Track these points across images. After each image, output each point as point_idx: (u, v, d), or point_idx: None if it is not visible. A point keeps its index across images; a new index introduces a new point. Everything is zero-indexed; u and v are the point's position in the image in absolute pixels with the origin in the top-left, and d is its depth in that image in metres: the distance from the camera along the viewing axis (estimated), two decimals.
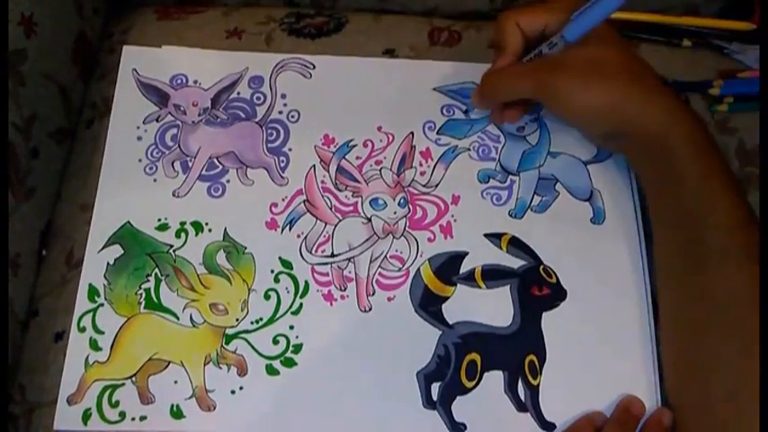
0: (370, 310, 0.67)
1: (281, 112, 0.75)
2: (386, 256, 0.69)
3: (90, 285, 0.67)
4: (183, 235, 0.69)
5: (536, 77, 0.65)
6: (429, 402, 0.64)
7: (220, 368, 0.64)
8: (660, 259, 0.66)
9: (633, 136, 0.64)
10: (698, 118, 0.63)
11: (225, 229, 0.69)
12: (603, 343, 0.66)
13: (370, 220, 0.70)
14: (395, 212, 0.70)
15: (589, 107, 0.64)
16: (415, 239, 0.69)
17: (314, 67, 0.77)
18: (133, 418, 0.63)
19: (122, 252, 0.68)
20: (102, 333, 0.65)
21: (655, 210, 0.67)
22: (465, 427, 0.63)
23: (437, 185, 0.71)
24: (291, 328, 0.66)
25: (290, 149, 0.73)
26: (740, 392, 0.56)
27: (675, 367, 0.63)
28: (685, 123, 0.62)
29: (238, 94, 0.75)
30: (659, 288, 0.66)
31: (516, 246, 0.69)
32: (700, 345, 0.60)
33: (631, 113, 0.63)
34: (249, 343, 0.65)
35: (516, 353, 0.65)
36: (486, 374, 0.65)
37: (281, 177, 0.71)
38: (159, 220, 0.69)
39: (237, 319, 0.66)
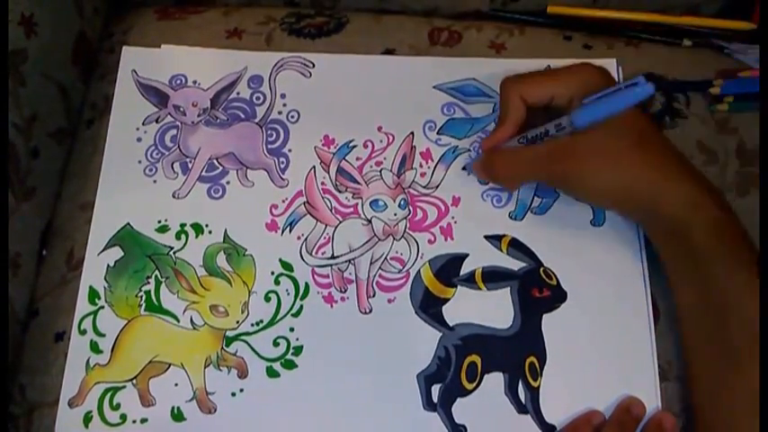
0: (371, 311, 0.67)
1: (280, 113, 0.74)
2: (386, 258, 0.69)
3: (90, 288, 0.67)
4: (183, 237, 0.69)
5: (545, 168, 0.64)
6: (429, 404, 0.64)
7: (221, 370, 0.64)
8: (688, 347, 0.64)
9: (652, 222, 0.64)
10: (723, 202, 0.61)
11: (225, 231, 0.69)
12: (604, 345, 0.66)
13: (370, 221, 0.70)
14: (395, 214, 0.70)
15: (602, 194, 0.63)
16: (416, 241, 0.69)
17: (313, 65, 0.77)
18: (134, 421, 0.63)
19: (122, 254, 0.68)
20: (103, 335, 0.65)
21: (677, 293, 0.64)
22: (465, 429, 0.63)
23: (437, 187, 0.71)
24: (292, 330, 0.66)
25: (289, 150, 0.73)
26: None
27: None
28: (708, 211, 0.60)
29: (238, 93, 0.75)
30: (689, 376, 0.64)
31: (516, 247, 0.69)
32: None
33: (648, 200, 0.61)
34: (249, 345, 0.65)
35: (516, 355, 0.65)
36: (486, 376, 0.65)
37: (281, 179, 0.71)
38: (159, 221, 0.69)
39: (238, 321, 0.66)
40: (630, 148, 0.61)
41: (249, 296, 0.67)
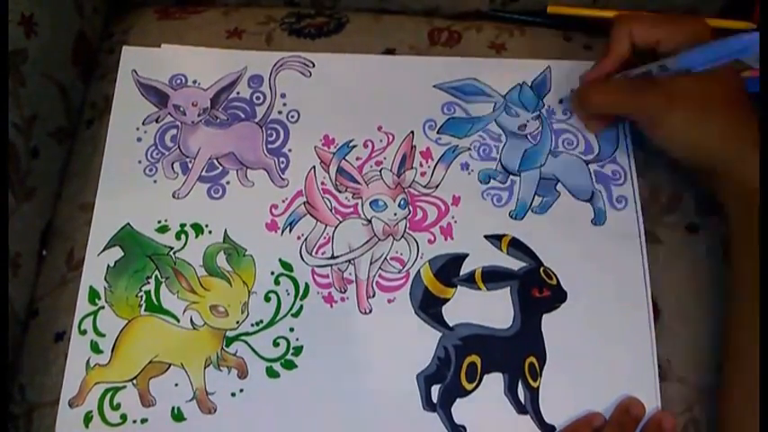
0: (371, 311, 0.67)
1: (280, 112, 0.74)
2: (386, 258, 0.69)
3: (90, 288, 0.67)
4: (183, 237, 0.69)
5: (641, 101, 0.65)
6: (429, 404, 0.64)
7: (221, 370, 0.65)
8: (736, 307, 0.64)
9: (728, 182, 0.63)
10: None
11: (225, 231, 0.69)
12: (604, 345, 0.66)
13: (370, 221, 0.70)
14: (395, 214, 0.70)
15: (690, 145, 0.63)
16: (416, 241, 0.69)
17: (313, 65, 0.77)
18: (134, 421, 0.63)
19: (122, 254, 0.68)
20: (103, 336, 0.65)
21: (737, 264, 0.64)
22: (465, 429, 0.63)
23: (437, 186, 0.71)
24: (292, 330, 0.66)
25: (289, 150, 0.73)
26: None
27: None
28: None
29: (238, 93, 0.75)
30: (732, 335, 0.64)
31: (517, 247, 0.69)
32: None
33: (725, 159, 0.62)
34: (249, 345, 0.65)
35: (516, 355, 0.65)
36: (486, 376, 0.65)
37: (281, 179, 0.71)
38: (159, 221, 0.69)
39: (238, 322, 0.66)
40: (724, 103, 0.62)
41: (249, 296, 0.67)
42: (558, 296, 0.67)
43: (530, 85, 0.76)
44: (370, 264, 0.68)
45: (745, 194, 0.61)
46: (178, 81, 0.75)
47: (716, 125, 0.62)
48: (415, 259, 0.69)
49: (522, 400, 0.64)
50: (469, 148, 0.73)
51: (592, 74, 0.70)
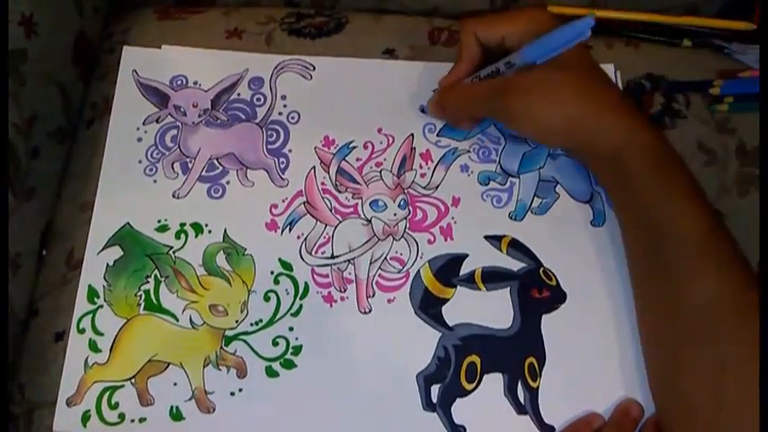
0: (370, 311, 0.67)
1: (281, 114, 0.75)
2: (386, 258, 0.69)
3: (89, 287, 0.67)
4: (182, 236, 0.69)
5: (489, 101, 0.66)
6: (429, 404, 0.64)
7: (220, 370, 0.64)
8: (632, 271, 0.66)
9: (590, 153, 0.65)
10: (656, 132, 0.63)
11: (225, 231, 0.69)
12: (603, 345, 0.66)
13: (370, 221, 0.70)
14: (395, 214, 0.70)
15: (543, 127, 0.64)
16: (415, 241, 0.69)
17: (314, 68, 0.77)
18: (132, 420, 0.63)
19: (122, 253, 0.68)
20: (102, 334, 0.65)
21: (619, 218, 0.67)
22: (464, 430, 0.63)
23: (437, 187, 0.71)
24: (291, 329, 0.66)
25: (290, 151, 0.73)
26: (721, 410, 0.55)
27: (658, 384, 0.63)
28: (641, 138, 0.61)
29: (238, 95, 0.75)
30: (635, 301, 0.66)
31: (516, 248, 0.69)
32: (679, 363, 0.59)
33: (585, 131, 0.63)
34: (249, 344, 0.65)
35: (516, 355, 0.65)
36: (485, 377, 0.65)
37: (281, 179, 0.71)
38: (159, 221, 0.69)
39: (237, 321, 0.66)
40: (572, 82, 0.63)
41: (248, 296, 0.67)
42: (557, 297, 0.67)
43: None
44: (370, 264, 0.68)
45: (610, 158, 0.62)
46: (179, 82, 0.75)
47: (569, 104, 0.62)
48: (415, 259, 0.69)
49: (522, 401, 0.64)
50: (469, 151, 0.73)
51: (446, 80, 0.71)
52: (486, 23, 0.67)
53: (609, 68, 0.77)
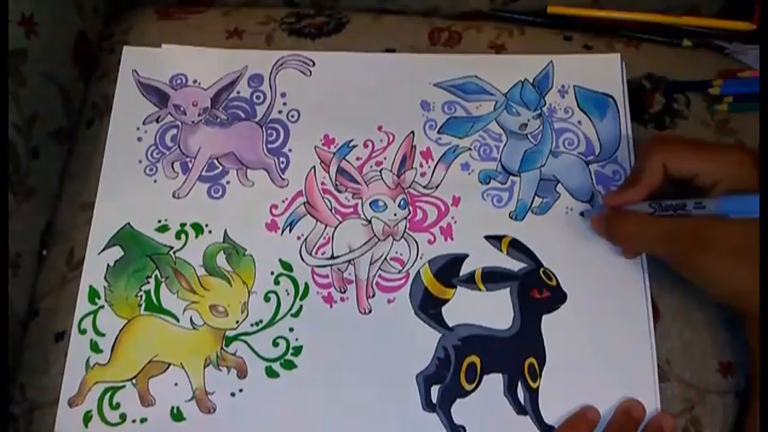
0: (370, 312, 0.67)
1: (280, 112, 0.75)
2: (386, 258, 0.69)
3: (90, 287, 0.67)
4: (183, 236, 0.69)
5: (675, 249, 0.61)
6: (429, 405, 0.64)
7: (220, 370, 0.65)
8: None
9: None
10: None
11: (225, 231, 0.69)
12: (603, 346, 0.66)
13: (370, 221, 0.70)
14: (395, 214, 0.70)
15: (728, 293, 0.60)
16: (415, 241, 0.69)
17: (313, 63, 0.77)
18: (134, 420, 0.63)
19: (122, 254, 0.68)
20: (103, 335, 0.65)
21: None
22: (464, 430, 0.63)
23: (437, 186, 0.71)
24: (291, 330, 0.66)
25: (290, 150, 0.73)
26: None
27: None
28: None
29: (238, 93, 0.75)
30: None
31: (516, 248, 0.69)
32: None
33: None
34: (249, 345, 0.65)
35: (516, 356, 0.65)
36: (485, 377, 0.65)
37: (281, 179, 0.71)
38: (159, 221, 0.69)
39: (237, 321, 0.66)
40: (757, 250, 0.57)
41: (249, 296, 0.67)
42: (557, 297, 0.67)
43: (531, 81, 0.76)
44: (370, 264, 0.68)
45: None
46: (178, 81, 0.75)
47: (747, 272, 0.57)
48: (415, 259, 0.69)
49: (522, 401, 0.64)
50: (470, 148, 0.73)
51: (617, 198, 0.66)
52: (681, 156, 0.62)
53: (615, 59, 0.77)
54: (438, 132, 0.74)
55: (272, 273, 0.68)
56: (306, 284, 0.68)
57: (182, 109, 0.74)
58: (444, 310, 0.67)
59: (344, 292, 0.67)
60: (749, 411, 0.64)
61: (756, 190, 0.57)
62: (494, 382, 0.65)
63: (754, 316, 0.59)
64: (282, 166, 0.72)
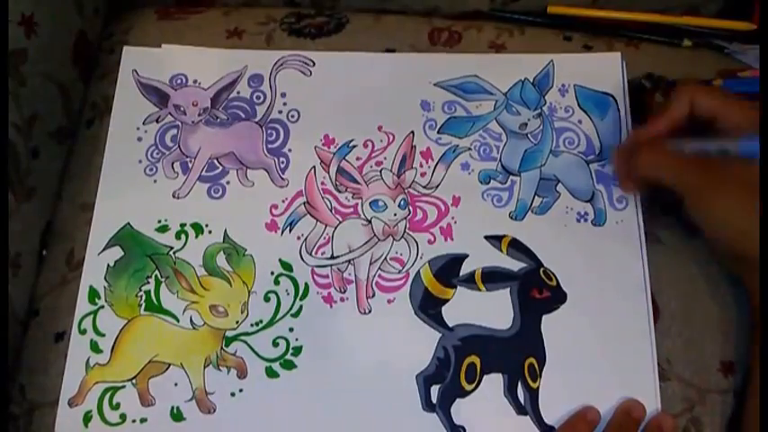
0: (370, 312, 0.67)
1: (280, 112, 0.74)
2: (386, 258, 0.69)
3: (90, 287, 0.67)
4: (183, 236, 0.69)
5: (692, 178, 0.61)
6: (428, 405, 0.64)
7: (220, 370, 0.65)
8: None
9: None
10: None
11: (225, 231, 0.69)
12: (604, 346, 0.66)
13: (370, 221, 0.70)
14: (395, 214, 0.70)
15: (735, 230, 0.60)
16: (415, 241, 0.69)
17: (313, 63, 0.77)
18: (134, 420, 0.63)
19: (122, 254, 0.68)
20: (103, 335, 0.65)
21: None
22: (464, 430, 0.63)
23: (437, 186, 0.71)
24: (291, 330, 0.66)
25: (289, 150, 0.73)
26: None
27: None
28: None
29: (238, 93, 0.75)
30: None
31: (516, 248, 0.69)
32: None
33: None
34: (249, 345, 0.65)
35: (516, 356, 0.65)
36: (485, 377, 0.65)
37: (281, 179, 0.71)
38: (159, 221, 0.69)
39: (237, 321, 0.66)
40: None
41: (249, 296, 0.67)
42: (557, 297, 0.67)
43: (531, 81, 0.76)
44: (370, 264, 0.68)
45: None
46: (178, 81, 0.75)
47: (757, 210, 0.58)
48: (415, 260, 0.69)
49: (522, 401, 0.64)
50: (470, 148, 0.73)
51: (643, 133, 0.67)
52: (710, 97, 0.63)
53: (616, 57, 0.77)
54: (438, 132, 0.74)
55: (272, 273, 0.68)
56: (306, 284, 0.67)
57: (182, 109, 0.74)
58: (444, 310, 0.67)
59: (344, 292, 0.67)
60: (745, 407, 0.64)
61: None
62: (494, 383, 0.65)
63: (754, 260, 0.59)
64: (282, 166, 0.72)
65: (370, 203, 0.70)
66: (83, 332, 0.65)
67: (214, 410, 0.64)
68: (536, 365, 0.65)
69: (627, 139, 0.70)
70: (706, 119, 0.64)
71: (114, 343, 0.65)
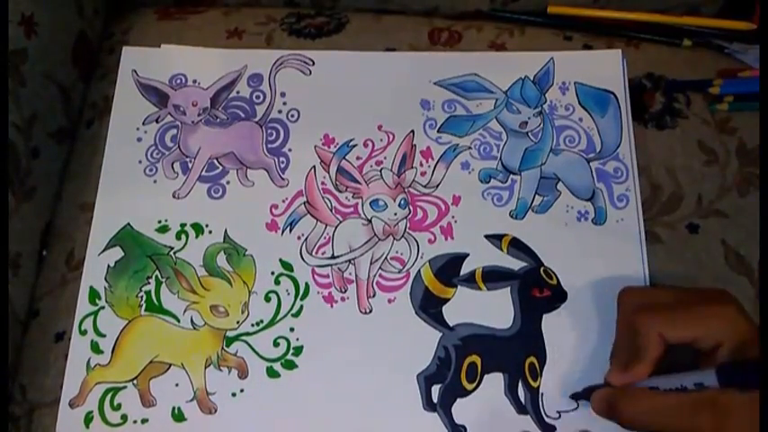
0: (371, 311, 0.67)
1: (280, 111, 0.74)
2: (386, 258, 0.69)
3: (91, 288, 0.67)
4: (183, 237, 0.69)
5: (690, 421, 0.55)
6: (429, 404, 0.64)
7: (221, 370, 0.65)
8: None
9: None
10: None
11: (225, 231, 0.69)
12: (604, 345, 0.65)
13: (370, 221, 0.70)
14: (395, 214, 0.70)
15: None
16: (416, 241, 0.69)
17: (313, 63, 0.77)
18: (135, 421, 0.63)
19: (123, 254, 0.68)
20: (104, 336, 0.65)
21: None
22: (465, 430, 0.63)
23: (438, 186, 0.71)
24: (292, 330, 0.66)
25: (289, 150, 0.73)
26: None
27: None
28: None
29: (237, 92, 0.75)
30: None
31: (517, 247, 0.69)
32: None
33: None
34: (250, 345, 0.65)
35: (516, 355, 0.65)
36: (486, 376, 0.65)
37: (282, 178, 0.71)
38: (159, 221, 0.69)
39: (238, 322, 0.66)
40: None
41: (249, 296, 0.67)
42: (558, 296, 0.67)
43: (532, 79, 0.76)
44: (371, 264, 0.68)
45: None
46: (178, 81, 0.75)
47: None
48: (416, 259, 0.69)
49: (523, 400, 0.64)
50: (470, 147, 0.73)
51: (620, 377, 0.61)
52: (674, 324, 0.58)
53: (616, 55, 0.77)
54: (438, 131, 0.74)
55: (273, 273, 0.68)
56: (306, 284, 0.67)
57: (181, 109, 0.74)
58: (445, 309, 0.67)
59: (345, 291, 0.67)
60: None
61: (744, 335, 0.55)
62: (494, 382, 0.65)
63: None
64: (282, 165, 0.72)
65: (370, 203, 0.70)
66: (83, 333, 0.65)
67: (215, 411, 0.63)
68: (537, 365, 0.65)
69: (606, 383, 0.63)
70: (685, 344, 0.59)
71: (115, 343, 0.65)
